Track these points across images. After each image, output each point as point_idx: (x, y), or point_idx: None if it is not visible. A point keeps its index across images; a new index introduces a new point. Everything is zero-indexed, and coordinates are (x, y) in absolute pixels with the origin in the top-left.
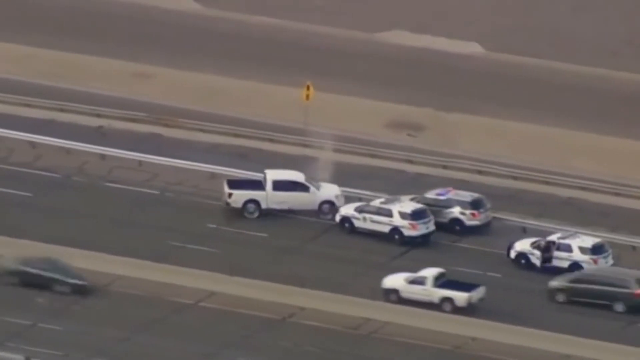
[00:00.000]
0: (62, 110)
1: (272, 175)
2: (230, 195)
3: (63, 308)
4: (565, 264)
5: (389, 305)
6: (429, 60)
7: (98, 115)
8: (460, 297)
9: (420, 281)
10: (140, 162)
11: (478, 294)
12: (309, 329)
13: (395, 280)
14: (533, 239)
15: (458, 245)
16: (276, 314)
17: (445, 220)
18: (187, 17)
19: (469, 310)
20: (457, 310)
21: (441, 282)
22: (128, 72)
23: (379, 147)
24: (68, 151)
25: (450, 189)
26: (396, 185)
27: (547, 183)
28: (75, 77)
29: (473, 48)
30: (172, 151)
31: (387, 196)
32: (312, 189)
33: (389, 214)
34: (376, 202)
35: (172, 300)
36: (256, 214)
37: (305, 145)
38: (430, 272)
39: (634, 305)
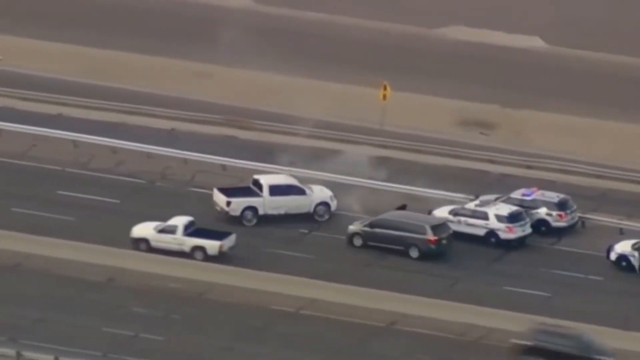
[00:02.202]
0: (131, 113)
1: (267, 180)
2: (229, 203)
3: (162, 317)
4: None
5: (488, 309)
6: (489, 56)
7: (169, 118)
8: (211, 245)
9: (170, 230)
10: (223, 166)
11: (229, 242)
12: (415, 336)
13: (144, 230)
14: (634, 241)
15: (555, 248)
16: (380, 321)
17: (531, 221)
18: (246, 15)
19: (221, 258)
20: (209, 258)
21: (191, 230)
22: (188, 71)
23: (454, 146)
24: (149, 155)
25: (535, 189)
26: (481, 186)
27: (635, 182)
28: (131, 76)
29: (533, 42)
30: (250, 154)
31: (471, 197)
32: (307, 191)
33: (484, 216)
34: (471, 205)
35: (273, 308)
36: (254, 221)
37: (383, 146)
38: (180, 221)
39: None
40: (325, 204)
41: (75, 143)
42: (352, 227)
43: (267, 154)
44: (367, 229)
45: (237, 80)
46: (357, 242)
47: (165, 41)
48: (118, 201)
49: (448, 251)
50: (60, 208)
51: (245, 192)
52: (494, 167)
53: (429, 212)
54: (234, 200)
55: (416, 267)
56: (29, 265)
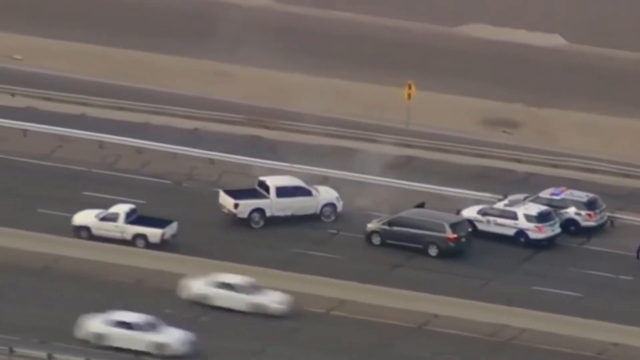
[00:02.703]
0: (154, 112)
1: (273, 181)
2: (236, 205)
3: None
4: None
5: (518, 310)
6: (510, 54)
7: (192, 117)
8: (153, 233)
9: (111, 218)
10: (249, 166)
11: (171, 230)
12: (446, 337)
13: (85, 217)
14: None
15: (584, 248)
16: (410, 322)
17: (560, 220)
18: (266, 14)
19: (163, 246)
20: (150, 246)
21: (133, 218)
22: (209, 70)
23: (478, 145)
24: (174, 156)
25: (564, 188)
26: (507, 185)
27: None
28: (153, 76)
29: (555, 40)
30: (276, 154)
31: (499, 197)
32: (314, 192)
33: (513, 216)
34: (500, 205)
35: (304, 309)
36: (262, 223)
37: (408, 146)
38: (121, 208)
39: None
40: (332, 205)
41: (100, 144)
42: (371, 226)
43: (289, 154)
44: (385, 227)
45: (257, 80)
46: (376, 240)
47: (184, 40)
48: (144, 202)
49: (467, 249)
50: (87, 209)
51: (251, 194)
52: (520, 166)
53: (457, 212)
54: (241, 202)
55: (444, 267)
56: (58, 268)
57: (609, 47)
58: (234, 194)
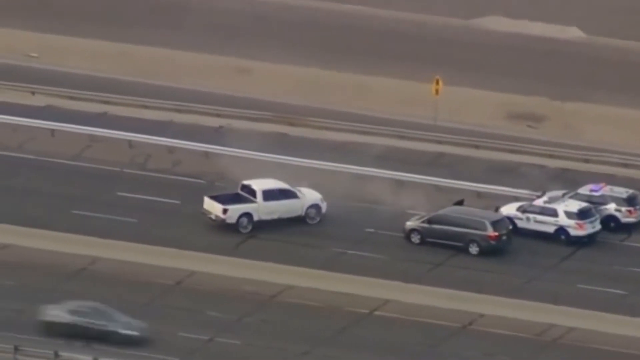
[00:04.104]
0: (178, 110)
1: (259, 185)
2: (225, 211)
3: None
4: None
5: (571, 309)
6: (529, 47)
7: (216, 115)
8: None
9: None
10: (282, 164)
11: None
12: (492, 336)
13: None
14: None
15: (625, 244)
16: (456, 321)
17: (600, 217)
18: (286, 8)
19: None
20: None
21: None
22: (229, 67)
23: (504, 140)
24: (205, 154)
25: (603, 184)
26: (541, 181)
27: None
28: (171, 73)
29: (573, 32)
30: (304, 151)
31: (538, 193)
32: (299, 194)
33: (554, 213)
34: (539, 202)
35: (348, 309)
36: (249, 228)
37: (438, 142)
38: None
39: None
40: (316, 207)
41: (130, 143)
42: (410, 224)
43: (318, 152)
44: (425, 225)
45: (279, 76)
46: (415, 238)
47: (203, 37)
48: (178, 202)
49: (507, 247)
50: (121, 210)
51: (237, 198)
52: (552, 161)
53: (496, 209)
54: (230, 207)
55: (485, 265)
56: (95, 270)
57: (627, 39)
58: (220, 199)
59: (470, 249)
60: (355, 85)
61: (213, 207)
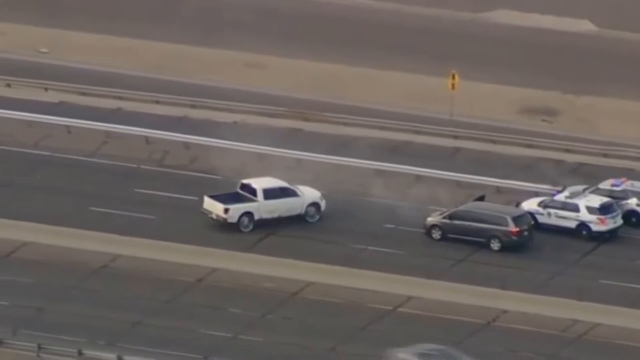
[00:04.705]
0: (192, 106)
1: (260, 184)
2: (227, 210)
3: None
4: None
5: (595, 305)
6: (540, 40)
7: (230, 110)
8: None
9: None
10: (299, 161)
11: None
12: (516, 333)
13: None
14: None
15: None
16: (479, 317)
17: (622, 212)
18: (298, 2)
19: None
20: None
21: None
22: (240, 62)
23: (522, 134)
24: (222, 150)
25: (624, 179)
26: (559, 176)
27: None
28: (182, 69)
29: (584, 26)
30: (320, 147)
31: (558, 188)
32: (299, 193)
33: (575, 208)
34: (561, 197)
35: (370, 306)
36: (250, 227)
37: (454, 137)
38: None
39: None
40: (316, 205)
41: (146, 139)
42: (431, 219)
43: (340, 147)
44: (446, 220)
45: (291, 71)
46: (436, 234)
47: (212, 32)
48: (197, 198)
49: (529, 243)
50: (140, 206)
51: (238, 197)
52: (569, 155)
53: (517, 205)
54: (232, 207)
55: (507, 261)
56: (116, 267)
57: (639, 32)
58: (220, 198)
59: (492, 245)
60: (368, 80)
61: (214, 207)
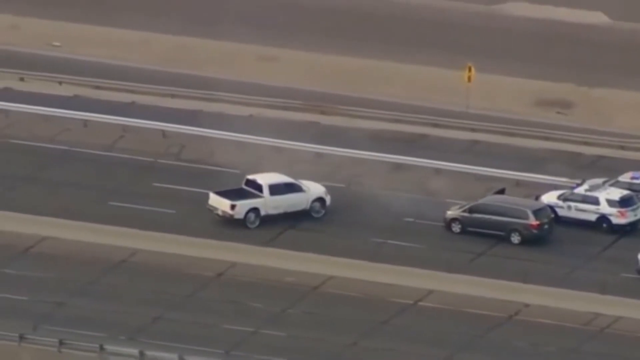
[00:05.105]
0: (207, 99)
1: (265, 180)
2: (233, 207)
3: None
4: None
5: (617, 298)
6: (554, 32)
7: (245, 104)
8: None
9: None
10: (318, 154)
11: None
12: (538, 326)
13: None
14: None
15: None
16: (501, 311)
17: None
18: None
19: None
20: None
21: None
22: (252, 55)
23: (538, 127)
24: (239, 144)
25: None
26: (578, 168)
27: None
28: (195, 62)
29: (598, 17)
30: (337, 140)
31: (577, 181)
32: (304, 188)
33: (595, 201)
34: (580, 190)
35: (391, 300)
36: (257, 223)
37: (471, 130)
38: None
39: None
40: (321, 200)
41: (164, 133)
42: (450, 213)
43: (358, 141)
44: (466, 214)
45: (304, 64)
46: (456, 228)
47: (224, 25)
48: None
49: (549, 236)
50: (158, 201)
51: (244, 193)
52: (587, 148)
53: (536, 198)
54: (238, 203)
55: (527, 255)
56: (136, 262)
57: None
58: (227, 194)
59: (512, 238)
60: (382, 73)
61: (220, 203)
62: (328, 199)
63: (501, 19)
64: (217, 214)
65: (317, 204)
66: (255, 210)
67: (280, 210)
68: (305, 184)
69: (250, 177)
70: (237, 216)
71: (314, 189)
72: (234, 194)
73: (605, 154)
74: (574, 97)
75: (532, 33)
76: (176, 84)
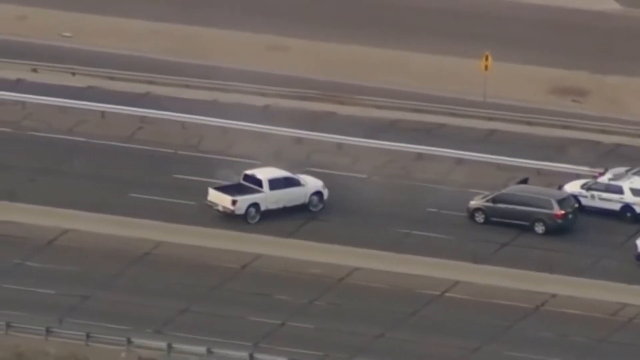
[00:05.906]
0: (222, 90)
1: (264, 174)
2: (234, 202)
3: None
4: None
5: (638, 287)
6: (565, 20)
7: (261, 94)
8: None
9: None
10: (339, 145)
11: None
12: (566, 317)
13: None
14: None
15: None
16: (528, 302)
17: None
18: None
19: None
20: None
21: None
22: (262, 44)
23: (555, 115)
24: (259, 135)
25: None
26: (598, 157)
27: None
28: (205, 52)
29: (609, 5)
30: (356, 130)
31: (600, 170)
32: (302, 182)
33: (619, 190)
34: (604, 179)
35: (417, 291)
36: (257, 218)
37: (489, 119)
38: None
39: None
40: (319, 194)
41: (182, 124)
42: (474, 203)
43: (376, 131)
44: (489, 204)
45: (316, 54)
46: (479, 218)
47: (235, 14)
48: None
49: (573, 226)
50: (179, 192)
51: (242, 189)
52: (605, 137)
53: (559, 187)
54: (239, 198)
55: (552, 245)
56: (160, 254)
57: None
58: (226, 190)
59: (536, 228)
60: (397, 62)
61: (220, 199)
62: (326, 193)
63: (514, 6)
64: (217, 210)
65: (315, 198)
66: (255, 205)
67: (280, 205)
68: (304, 178)
69: (248, 172)
70: (238, 212)
71: (311, 183)
72: (234, 190)
73: (623, 142)
74: (588, 84)
75: (544, 20)
76: (187, 73)
